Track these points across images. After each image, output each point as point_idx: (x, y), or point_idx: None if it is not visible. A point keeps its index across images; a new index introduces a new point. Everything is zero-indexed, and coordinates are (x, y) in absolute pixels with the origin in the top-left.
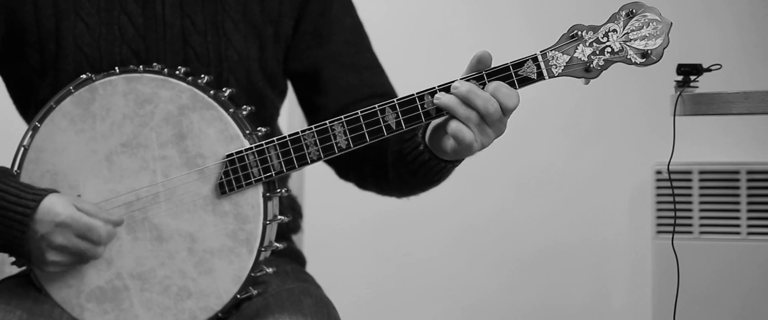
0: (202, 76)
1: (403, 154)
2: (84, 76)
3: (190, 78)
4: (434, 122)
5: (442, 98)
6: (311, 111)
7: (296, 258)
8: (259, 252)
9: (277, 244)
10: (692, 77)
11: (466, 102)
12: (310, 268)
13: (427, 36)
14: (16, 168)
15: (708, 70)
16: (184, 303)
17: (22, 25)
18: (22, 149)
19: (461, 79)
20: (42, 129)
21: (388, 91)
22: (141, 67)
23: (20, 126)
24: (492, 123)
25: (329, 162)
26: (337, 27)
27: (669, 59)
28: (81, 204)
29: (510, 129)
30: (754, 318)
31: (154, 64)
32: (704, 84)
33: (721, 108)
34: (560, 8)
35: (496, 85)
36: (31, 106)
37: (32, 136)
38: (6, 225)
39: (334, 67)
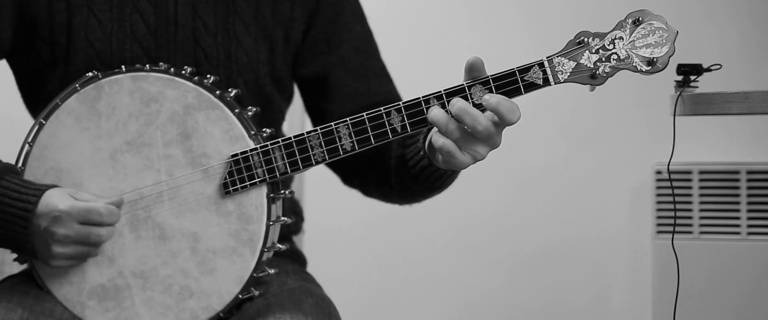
0: (208, 76)
1: (405, 159)
2: (90, 74)
3: (196, 78)
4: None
5: (433, 114)
6: (318, 117)
7: (297, 259)
8: (261, 252)
9: (280, 245)
10: (692, 77)
11: (457, 119)
12: (311, 268)
13: (426, 36)
14: (20, 164)
15: (708, 70)
16: (185, 302)
17: (34, 19)
18: (27, 146)
19: (468, 84)
20: (47, 126)
21: (396, 100)
22: (147, 66)
23: (25, 123)
24: (483, 139)
25: (334, 169)
26: (346, 34)
27: (669, 60)
28: (79, 194)
29: (510, 129)
30: (754, 318)
31: (161, 63)
32: (704, 84)
33: (721, 108)
34: (559, 8)
35: (498, 101)
36: (40, 99)
37: (37, 133)
38: (9, 222)
39: (342, 74)
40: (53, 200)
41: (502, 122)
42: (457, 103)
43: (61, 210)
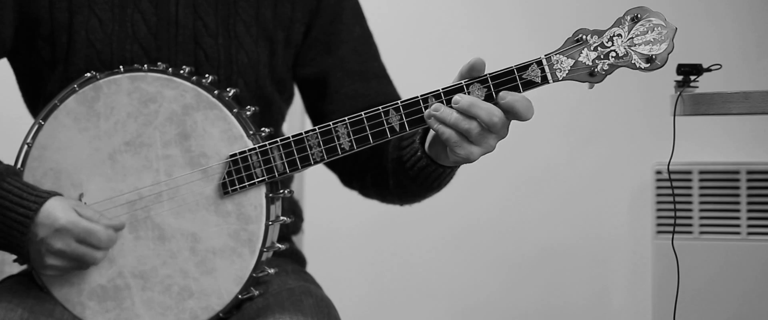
0: (207, 75)
1: (402, 161)
2: (88, 75)
3: (194, 77)
4: None
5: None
6: (317, 118)
7: (297, 259)
8: (260, 252)
9: (279, 245)
10: (692, 77)
11: (468, 114)
12: (311, 268)
13: (427, 36)
14: (19, 165)
15: (708, 70)
16: (185, 302)
17: (35, 18)
18: (26, 146)
19: (466, 83)
20: (46, 126)
21: (395, 101)
22: (145, 66)
23: (25, 124)
24: (497, 131)
25: (333, 170)
26: (346, 35)
27: (669, 59)
28: (83, 209)
29: (510, 129)
30: (754, 318)
31: (159, 63)
32: (704, 84)
33: (721, 108)
34: (560, 8)
35: (513, 98)
36: (40, 99)
37: (36, 134)
38: (7, 226)
39: (341, 75)
40: (55, 212)
41: (516, 118)
42: (463, 98)
43: (61, 225)
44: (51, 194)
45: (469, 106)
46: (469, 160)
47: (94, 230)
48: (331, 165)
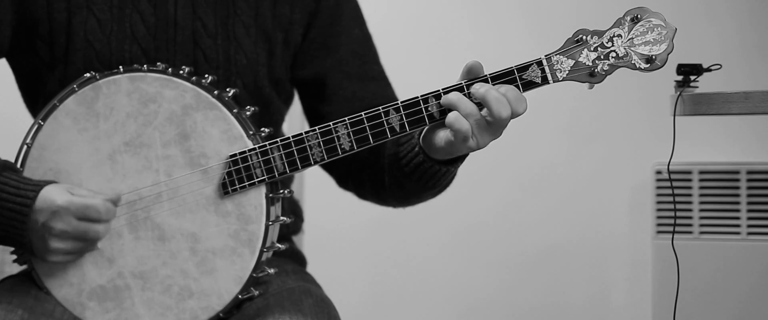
0: (206, 76)
1: (398, 157)
2: (88, 75)
3: (194, 78)
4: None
5: (450, 96)
6: (315, 120)
7: (297, 259)
8: (261, 252)
9: (279, 245)
10: (692, 77)
11: (483, 103)
12: (311, 268)
13: (427, 36)
14: (19, 165)
15: (708, 70)
16: (185, 302)
17: (33, 18)
18: (26, 147)
19: (466, 83)
20: (45, 127)
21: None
22: (145, 66)
23: (25, 123)
24: (499, 126)
25: (329, 171)
26: (345, 37)
27: (669, 59)
28: (76, 190)
29: (510, 129)
30: (754, 318)
31: (158, 63)
32: (704, 84)
33: (721, 108)
34: (560, 8)
35: (507, 89)
36: (39, 99)
37: (35, 134)
38: (6, 217)
39: (339, 77)
40: (51, 196)
41: (511, 113)
42: (480, 88)
43: (59, 206)
44: (47, 182)
45: (485, 93)
46: (462, 136)
47: (91, 203)
48: (327, 166)
